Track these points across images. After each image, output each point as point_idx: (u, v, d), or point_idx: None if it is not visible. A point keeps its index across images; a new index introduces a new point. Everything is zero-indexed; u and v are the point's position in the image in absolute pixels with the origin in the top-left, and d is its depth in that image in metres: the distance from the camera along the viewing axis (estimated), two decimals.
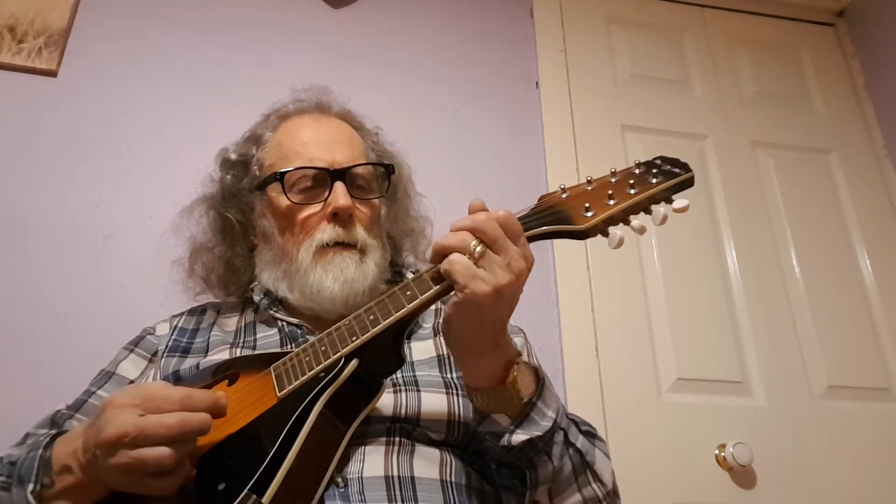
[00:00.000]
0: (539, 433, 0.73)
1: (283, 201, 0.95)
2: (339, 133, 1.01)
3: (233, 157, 1.06)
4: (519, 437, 0.72)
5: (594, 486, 0.79)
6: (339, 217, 0.92)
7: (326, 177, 0.94)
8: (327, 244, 0.92)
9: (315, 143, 0.97)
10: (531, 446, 0.73)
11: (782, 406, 1.61)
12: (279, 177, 0.95)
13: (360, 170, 0.97)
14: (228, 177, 1.04)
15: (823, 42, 2.18)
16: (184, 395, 0.66)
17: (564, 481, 0.76)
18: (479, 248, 0.66)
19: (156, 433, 0.63)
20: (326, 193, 0.93)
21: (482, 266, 0.66)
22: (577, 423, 0.84)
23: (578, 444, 0.79)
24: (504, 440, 0.73)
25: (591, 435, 0.85)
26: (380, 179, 1.03)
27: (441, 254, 0.69)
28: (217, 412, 0.68)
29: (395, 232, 1.07)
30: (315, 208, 0.94)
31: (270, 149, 1.02)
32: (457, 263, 0.66)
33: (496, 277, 0.66)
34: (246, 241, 1.04)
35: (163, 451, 0.62)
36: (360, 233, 0.94)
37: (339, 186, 0.92)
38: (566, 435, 0.77)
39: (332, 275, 0.91)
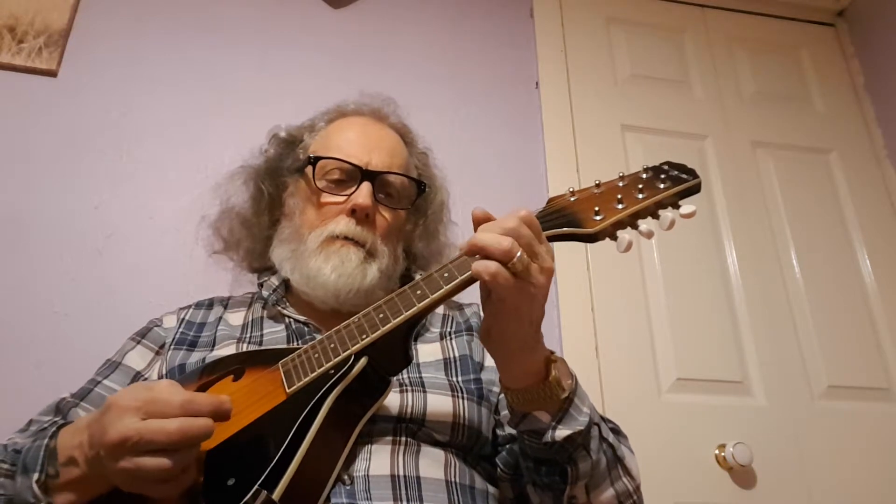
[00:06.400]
0: (580, 428, 0.74)
1: (311, 185, 0.99)
2: (385, 140, 1.04)
3: (282, 135, 1.10)
4: (561, 432, 0.73)
5: (625, 479, 0.80)
6: (357, 215, 0.95)
7: (357, 174, 0.97)
8: (337, 236, 0.94)
9: (357, 143, 1.00)
10: (571, 442, 0.74)
11: (782, 406, 1.61)
12: (312, 161, 0.99)
13: (392, 178, 1.00)
14: (272, 151, 1.09)
15: (823, 42, 2.18)
16: (185, 399, 0.64)
17: (600, 475, 0.78)
18: (524, 259, 0.65)
19: (155, 439, 0.61)
20: (353, 190, 0.96)
21: (522, 276, 0.66)
22: (603, 418, 0.85)
23: (610, 440, 0.80)
24: (547, 437, 0.74)
25: (615, 431, 0.86)
26: (412, 195, 1.04)
27: (476, 252, 0.67)
28: (220, 416, 0.66)
29: (423, 251, 1.09)
30: (338, 199, 0.97)
31: (319, 138, 1.06)
32: (499, 276, 0.65)
33: (534, 285, 0.66)
34: (271, 215, 1.07)
35: (163, 461, 0.61)
36: (374, 236, 0.96)
37: (365, 186, 0.95)
38: (600, 429, 0.78)
39: (332, 265, 0.92)
